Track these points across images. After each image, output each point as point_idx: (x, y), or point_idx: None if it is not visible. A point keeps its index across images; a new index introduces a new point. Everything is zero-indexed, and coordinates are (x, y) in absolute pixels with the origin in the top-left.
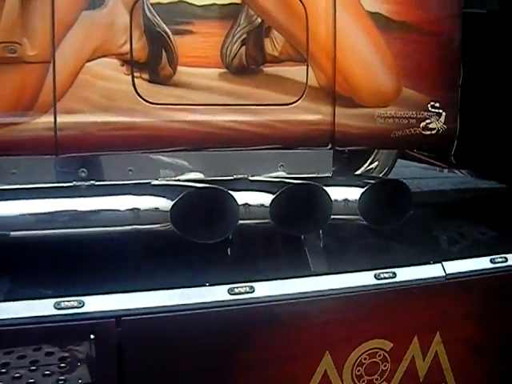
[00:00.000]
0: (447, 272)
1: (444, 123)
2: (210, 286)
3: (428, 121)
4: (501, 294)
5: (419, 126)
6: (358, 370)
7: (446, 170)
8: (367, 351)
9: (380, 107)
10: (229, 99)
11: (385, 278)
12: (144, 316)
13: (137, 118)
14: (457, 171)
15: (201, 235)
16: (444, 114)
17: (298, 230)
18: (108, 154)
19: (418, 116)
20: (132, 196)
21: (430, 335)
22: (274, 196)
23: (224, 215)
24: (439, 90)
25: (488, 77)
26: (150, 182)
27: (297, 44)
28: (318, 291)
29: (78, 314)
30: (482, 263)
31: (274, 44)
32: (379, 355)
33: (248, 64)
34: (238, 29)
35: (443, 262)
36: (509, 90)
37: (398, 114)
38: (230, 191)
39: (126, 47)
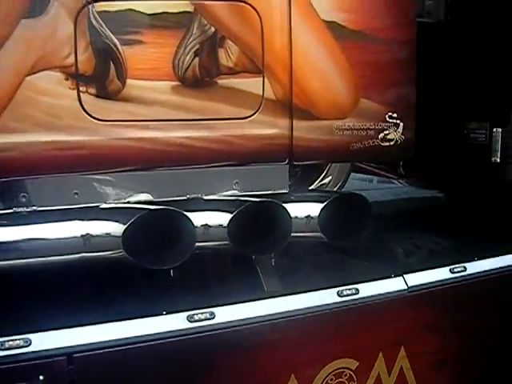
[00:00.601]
0: (409, 285)
1: (402, 134)
2: (167, 314)
3: (386, 132)
4: (462, 304)
5: (378, 138)
6: None
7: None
8: (333, 371)
9: (338, 119)
10: (182, 114)
11: (348, 295)
12: (98, 351)
13: (83, 136)
14: (397, 181)
15: (156, 261)
16: (401, 124)
17: (257, 250)
18: (52, 176)
19: (376, 127)
20: (79, 221)
21: (395, 350)
22: (231, 215)
23: (180, 238)
24: (396, 100)
25: (436, 85)
26: (98, 206)
27: (252, 54)
28: (280, 313)
29: (25, 353)
30: (442, 274)
31: (228, 55)
32: (345, 375)
33: (202, 76)
34: (191, 39)
35: (404, 275)
36: (454, 99)
37: (357, 125)
38: (185, 212)
39: (71, 59)
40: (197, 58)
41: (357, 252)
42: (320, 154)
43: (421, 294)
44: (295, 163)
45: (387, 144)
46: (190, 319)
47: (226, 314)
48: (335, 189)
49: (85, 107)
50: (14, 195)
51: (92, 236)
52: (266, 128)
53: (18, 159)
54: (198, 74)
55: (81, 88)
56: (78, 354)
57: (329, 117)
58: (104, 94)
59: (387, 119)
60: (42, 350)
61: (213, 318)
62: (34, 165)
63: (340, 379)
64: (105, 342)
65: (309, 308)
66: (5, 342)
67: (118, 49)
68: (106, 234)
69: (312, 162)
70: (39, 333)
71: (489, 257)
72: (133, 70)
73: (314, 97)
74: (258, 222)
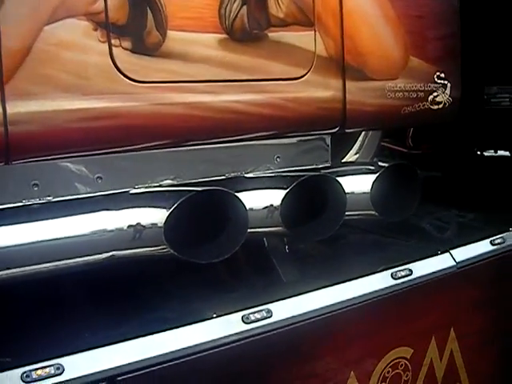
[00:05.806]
0: (457, 260)
1: (449, 95)
2: (218, 317)
3: (435, 93)
4: (505, 276)
5: (427, 100)
6: None
7: None
8: (390, 363)
9: (390, 79)
10: (229, 73)
11: (402, 277)
12: (145, 371)
13: (117, 101)
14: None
15: (204, 253)
16: (449, 85)
17: (311, 233)
18: (76, 156)
19: (426, 88)
20: (107, 212)
21: (445, 333)
22: (284, 194)
23: (232, 224)
24: (444, 58)
25: None
26: (127, 192)
27: (302, 3)
28: (339, 303)
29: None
30: (485, 246)
31: (278, 4)
32: (401, 365)
33: (250, 28)
34: None
35: (451, 251)
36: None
37: (408, 86)
38: (236, 193)
39: (100, 4)
40: (245, 7)
41: (391, 229)
42: (372, 120)
43: (468, 269)
44: (346, 131)
45: (436, 107)
46: (245, 320)
47: (283, 310)
48: None
49: (118, 65)
50: (23, 184)
51: (124, 229)
52: (319, 90)
53: (37, 135)
54: (246, 26)
55: (113, 41)
56: (122, 377)
57: (381, 77)
58: (141, 48)
59: (436, 80)
60: (78, 378)
61: (270, 316)
62: (55, 142)
63: (396, 370)
64: (152, 358)
65: (364, 295)
66: (31, 371)
67: None
68: (142, 225)
69: (363, 129)
70: (72, 355)
71: None
72: (174, 19)
73: (366, 53)
74: (313, 201)
